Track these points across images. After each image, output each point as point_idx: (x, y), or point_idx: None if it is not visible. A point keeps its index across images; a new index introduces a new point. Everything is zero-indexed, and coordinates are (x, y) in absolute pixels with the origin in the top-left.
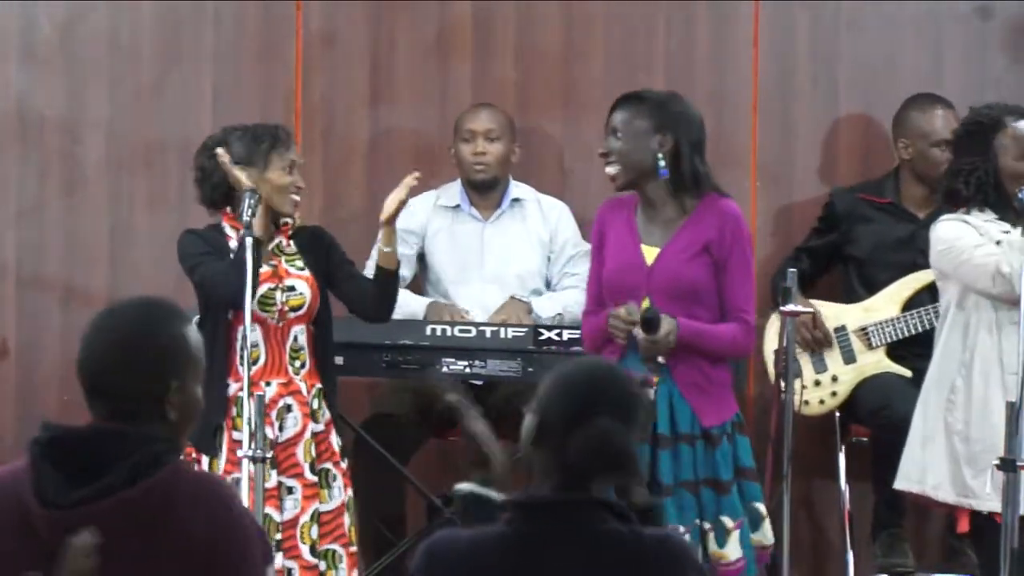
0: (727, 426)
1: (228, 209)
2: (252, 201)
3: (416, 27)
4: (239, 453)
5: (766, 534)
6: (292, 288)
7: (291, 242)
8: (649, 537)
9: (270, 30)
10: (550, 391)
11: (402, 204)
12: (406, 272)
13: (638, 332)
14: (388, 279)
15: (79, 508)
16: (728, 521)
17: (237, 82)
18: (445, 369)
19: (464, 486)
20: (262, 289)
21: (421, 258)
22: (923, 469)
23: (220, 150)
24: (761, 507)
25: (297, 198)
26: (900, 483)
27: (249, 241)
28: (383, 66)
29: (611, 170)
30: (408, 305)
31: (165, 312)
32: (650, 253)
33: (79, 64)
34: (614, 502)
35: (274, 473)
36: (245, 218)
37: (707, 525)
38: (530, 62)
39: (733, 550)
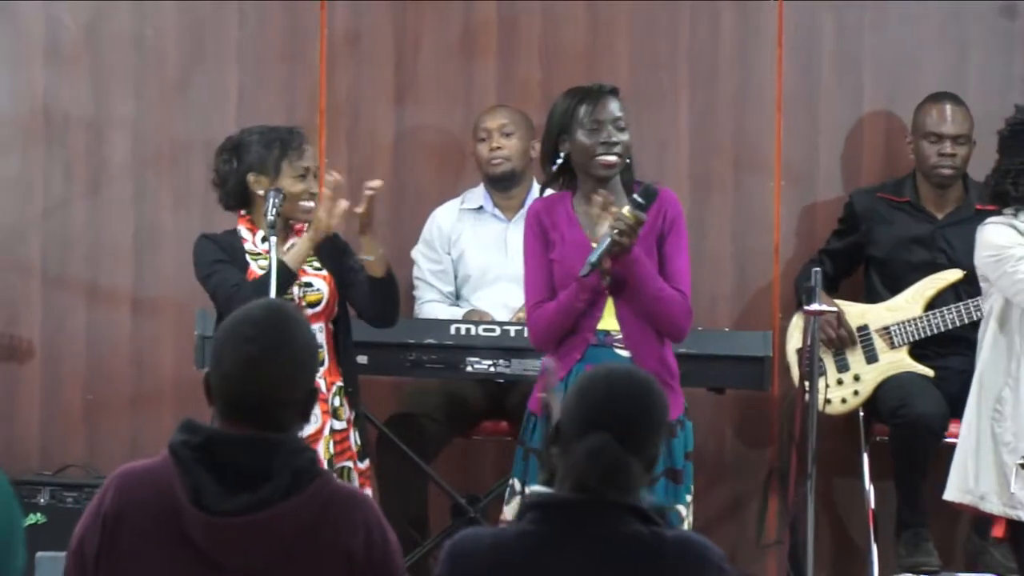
0: (682, 418)
1: (243, 212)
2: (277, 200)
3: (441, 27)
4: None
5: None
6: (309, 284)
7: None
8: (670, 538)
9: (294, 30)
10: (570, 396)
11: (365, 216)
12: (448, 286)
13: (624, 211)
14: (378, 286)
15: (239, 516)
16: (682, 509)
17: (261, 82)
18: (469, 368)
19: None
20: None
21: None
22: (971, 480)
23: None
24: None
25: (311, 204)
26: (949, 494)
27: (273, 240)
28: (408, 66)
29: (615, 159)
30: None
31: (298, 317)
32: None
33: (104, 64)
34: (635, 504)
35: None
36: (270, 217)
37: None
38: (555, 62)
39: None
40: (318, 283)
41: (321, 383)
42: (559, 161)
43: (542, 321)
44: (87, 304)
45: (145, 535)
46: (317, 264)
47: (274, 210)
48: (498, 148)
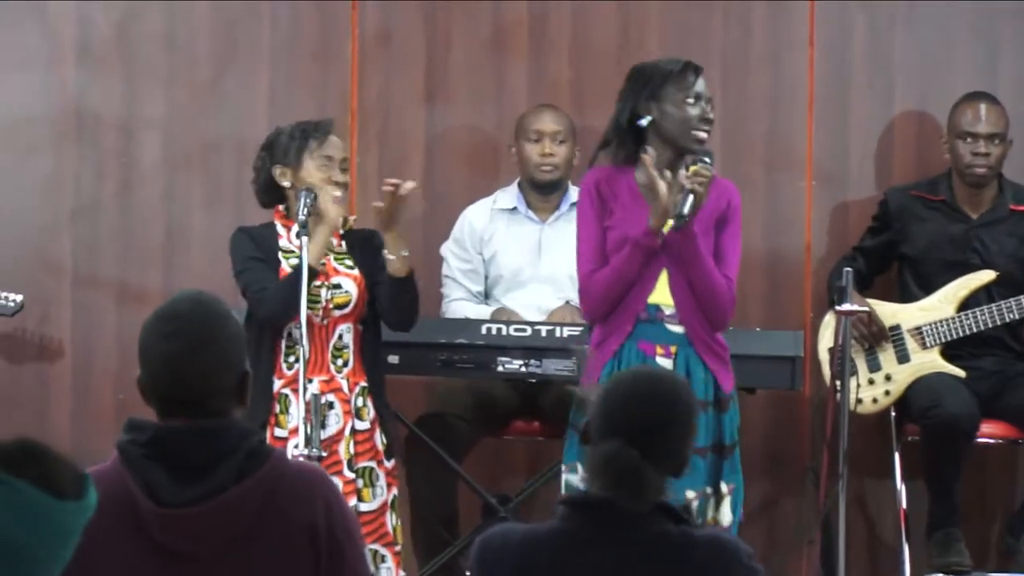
0: (733, 393)
1: (281, 207)
2: (308, 200)
3: (472, 26)
4: (295, 453)
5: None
6: (338, 286)
7: (342, 242)
8: (700, 538)
9: (326, 29)
10: (598, 398)
11: (384, 213)
12: (477, 286)
13: (698, 167)
14: (397, 287)
15: (193, 506)
16: (723, 486)
17: (293, 81)
18: (500, 368)
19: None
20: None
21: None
22: None
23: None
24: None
25: (337, 193)
26: None
27: (304, 240)
28: (439, 65)
29: (705, 135)
30: (476, 316)
31: (218, 303)
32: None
33: (135, 64)
34: (666, 503)
35: None
36: (301, 217)
37: (708, 490)
38: (585, 61)
39: (726, 515)
40: (347, 285)
41: (343, 383)
42: (644, 122)
43: (597, 287)
44: (118, 304)
45: (105, 538)
46: (350, 263)
47: (305, 210)
48: (551, 155)
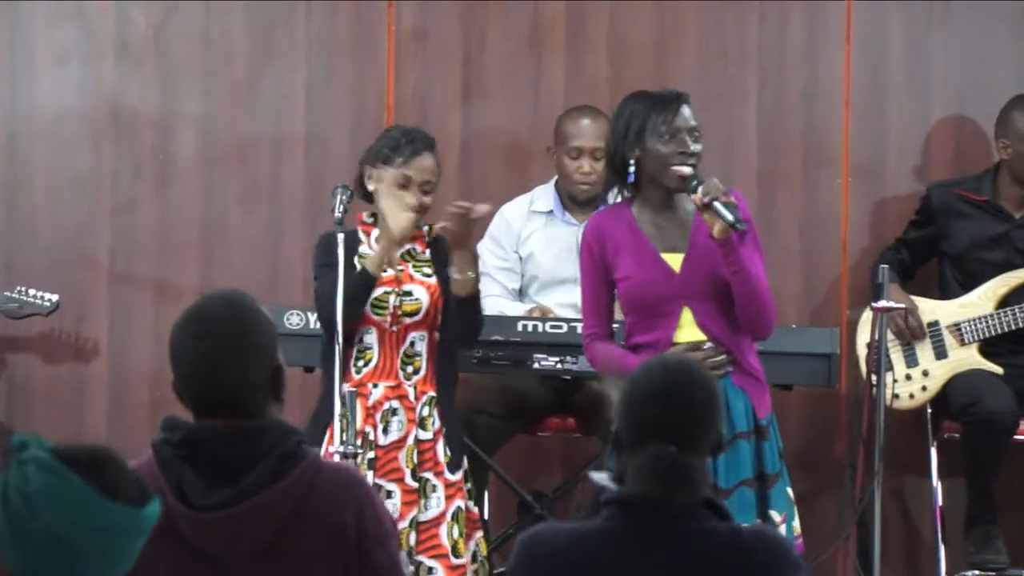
0: (771, 416)
1: (364, 216)
2: (344, 197)
3: (508, 23)
4: (331, 449)
5: (797, 522)
6: (409, 293)
7: (427, 249)
8: (748, 533)
9: (362, 27)
10: (620, 404)
11: (450, 233)
12: (513, 283)
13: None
14: (461, 306)
15: (223, 510)
16: (775, 515)
17: (329, 79)
18: (536, 365)
19: (599, 475)
20: (377, 292)
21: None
22: None
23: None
24: (791, 493)
25: (410, 215)
26: None
27: (341, 237)
28: (475, 63)
29: (688, 170)
30: (511, 313)
31: (247, 299)
32: (673, 260)
33: (172, 61)
34: (713, 499)
35: (371, 474)
36: (336, 215)
37: (758, 522)
38: (622, 58)
39: None
40: (419, 292)
41: (410, 391)
42: (631, 170)
43: (594, 360)
44: (155, 301)
45: None
46: (429, 270)
47: (341, 207)
48: (589, 173)
